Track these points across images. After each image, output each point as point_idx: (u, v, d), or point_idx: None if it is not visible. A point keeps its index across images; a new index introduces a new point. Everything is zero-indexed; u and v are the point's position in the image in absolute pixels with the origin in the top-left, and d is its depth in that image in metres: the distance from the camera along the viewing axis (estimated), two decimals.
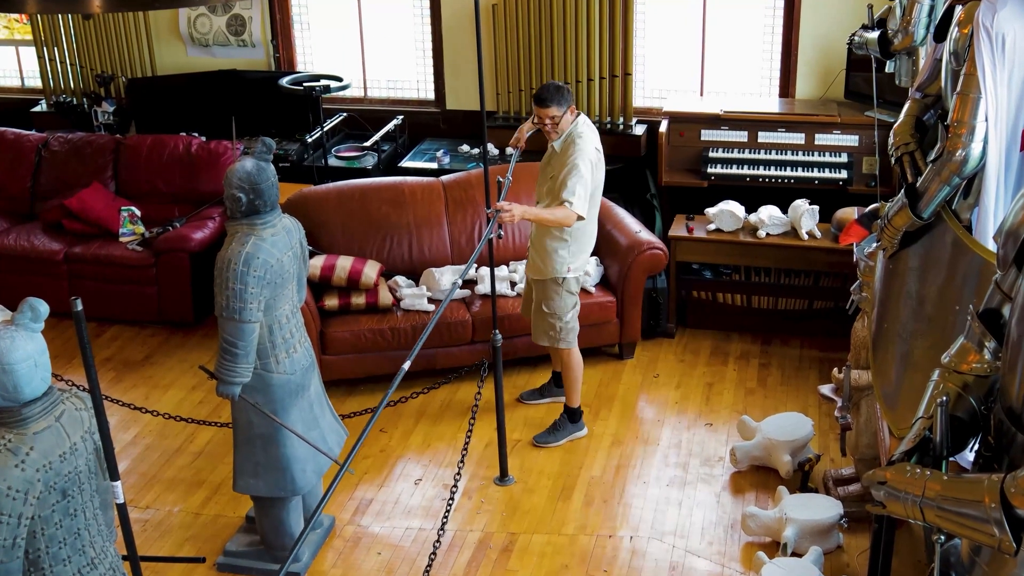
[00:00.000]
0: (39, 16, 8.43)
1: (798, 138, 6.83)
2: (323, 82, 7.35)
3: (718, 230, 6.64)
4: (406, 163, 7.58)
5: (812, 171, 6.77)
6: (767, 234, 6.55)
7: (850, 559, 4.85)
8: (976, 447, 2.76)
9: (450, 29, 7.78)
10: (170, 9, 8.16)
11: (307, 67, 8.33)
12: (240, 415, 4.62)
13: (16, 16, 9.13)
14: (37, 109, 8.70)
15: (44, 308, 2.99)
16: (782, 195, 6.71)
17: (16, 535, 2.94)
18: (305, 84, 7.32)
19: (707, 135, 6.96)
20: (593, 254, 6.49)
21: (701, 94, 7.56)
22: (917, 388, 3.14)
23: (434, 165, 7.48)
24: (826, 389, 5.37)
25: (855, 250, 5.14)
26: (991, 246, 3.28)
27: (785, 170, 6.80)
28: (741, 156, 6.90)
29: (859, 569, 4.74)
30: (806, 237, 6.48)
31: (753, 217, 6.61)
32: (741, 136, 6.92)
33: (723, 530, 5.09)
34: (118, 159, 7.61)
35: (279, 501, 4.77)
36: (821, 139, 6.79)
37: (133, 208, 7.23)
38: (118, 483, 3.01)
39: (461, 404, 6.18)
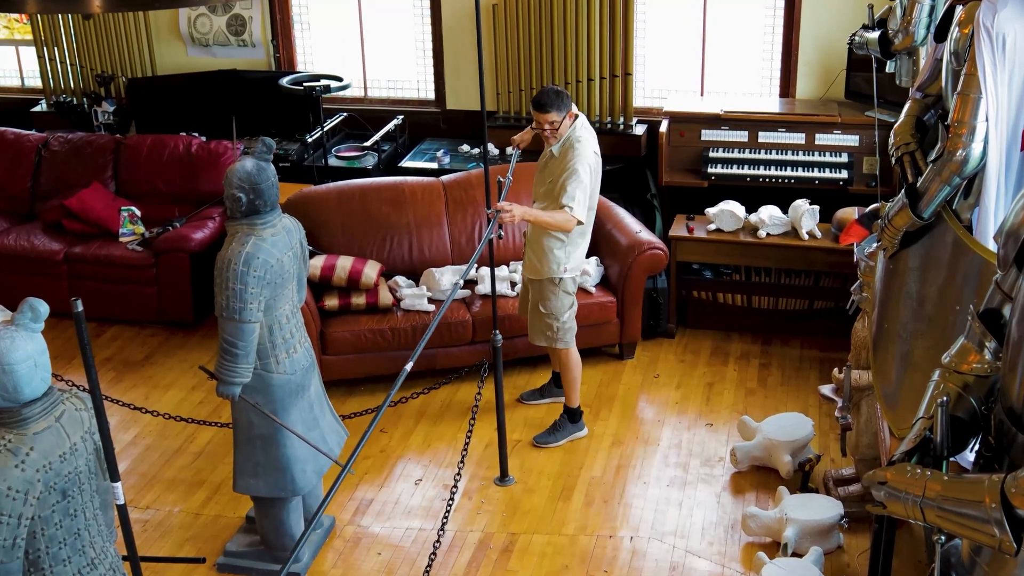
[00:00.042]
0: (39, 16, 8.43)
1: (798, 138, 6.83)
2: (323, 82, 7.35)
3: (718, 230, 6.63)
4: (406, 163, 7.58)
5: (812, 171, 6.77)
6: (767, 234, 6.55)
7: (851, 559, 4.85)
8: (976, 447, 2.75)
9: (450, 29, 7.78)
10: (170, 9, 8.16)
11: (307, 67, 8.33)
12: (240, 415, 4.62)
13: (16, 16, 9.13)
14: (37, 109, 8.70)
15: (44, 308, 2.99)
16: (782, 195, 6.71)
17: (16, 535, 2.93)
18: (305, 84, 7.31)
19: (707, 135, 6.96)
20: (594, 254, 6.50)
21: (701, 94, 7.56)
22: (917, 388, 3.14)
23: (434, 165, 7.48)
24: (826, 389, 5.37)
25: (855, 250, 5.14)
26: (991, 246, 3.28)
27: (785, 170, 6.80)
28: (741, 156, 6.89)
29: (860, 569, 4.74)
30: (806, 237, 6.48)
31: (753, 217, 6.61)
32: (741, 136, 6.92)
33: (723, 530, 5.09)
34: (118, 159, 7.61)
35: (279, 501, 4.77)
36: (821, 139, 6.79)
37: (133, 208, 7.23)
38: (118, 484, 3.01)
39: (461, 404, 6.17)
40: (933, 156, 3.75)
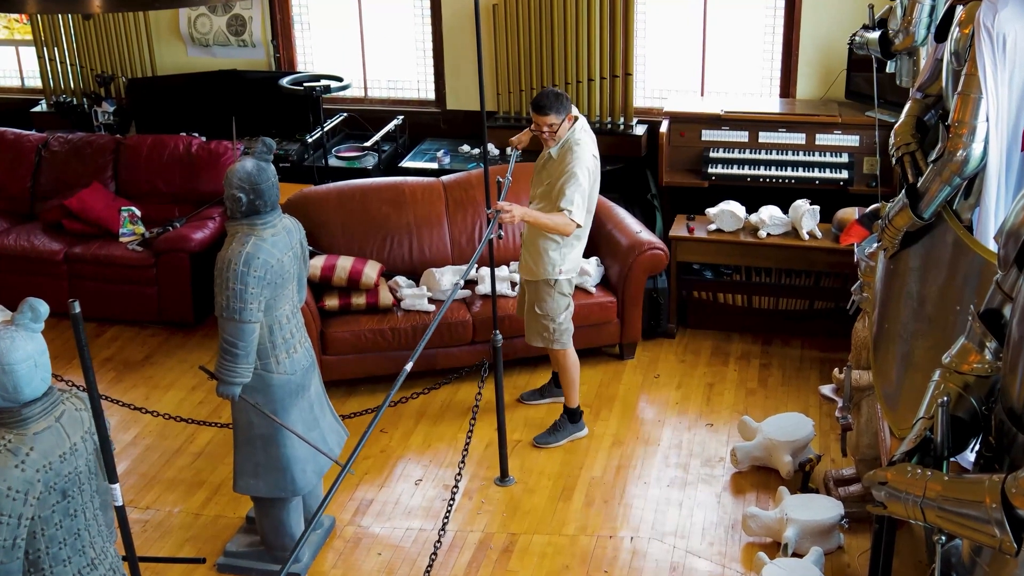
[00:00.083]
0: (39, 16, 8.43)
1: (799, 138, 6.83)
2: (323, 82, 7.35)
3: (719, 230, 6.63)
4: (406, 163, 7.58)
5: (813, 171, 6.76)
6: (768, 234, 6.54)
7: (851, 560, 4.84)
8: (977, 447, 2.75)
9: (450, 29, 7.78)
10: (170, 9, 8.16)
11: (307, 67, 8.33)
12: (240, 415, 4.62)
13: (16, 16, 9.13)
14: (37, 109, 8.70)
15: (44, 308, 2.98)
16: (783, 195, 6.71)
17: (16, 536, 2.93)
18: (305, 84, 7.31)
19: (708, 135, 6.96)
20: (594, 254, 6.50)
21: (702, 94, 7.56)
22: (918, 388, 3.14)
23: (434, 165, 7.48)
24: (827, 389, 5.36)
25: (856, 250, 5.14)
26: (992, 246, 3.27)
27: (786, 170, 6.80)
28: (742, 156, 6.89)
29: (860, 570, 4.74)
30: (807, 237, 6.48)
31: (754, 217, 6.60)
32: (742, 136, 6.91)
33: (724, 531, 5.09)
34: (118, 159, 7.61)
35: (279, 502, 4.76)
36: (822, 139, 6.78)
37: (133, 208, 7.23)
38: (116, 486, 3.01)
39: (461, 404, 6.17)
40: (934, 156, 3.74)
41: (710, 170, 6.87)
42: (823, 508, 4.88)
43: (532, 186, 5.59)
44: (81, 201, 7.27)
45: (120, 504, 3.03)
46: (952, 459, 2.70)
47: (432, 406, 6.17)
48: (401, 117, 7.92)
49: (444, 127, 8.04)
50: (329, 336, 6.13)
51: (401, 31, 8.03)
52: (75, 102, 8.57)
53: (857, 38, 5.33)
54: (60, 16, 8.34)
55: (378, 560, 4.97)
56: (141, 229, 7.13)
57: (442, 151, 7.59)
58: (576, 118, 5.38)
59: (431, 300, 6.35)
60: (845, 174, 6.70)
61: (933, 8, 4.55)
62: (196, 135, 7.72)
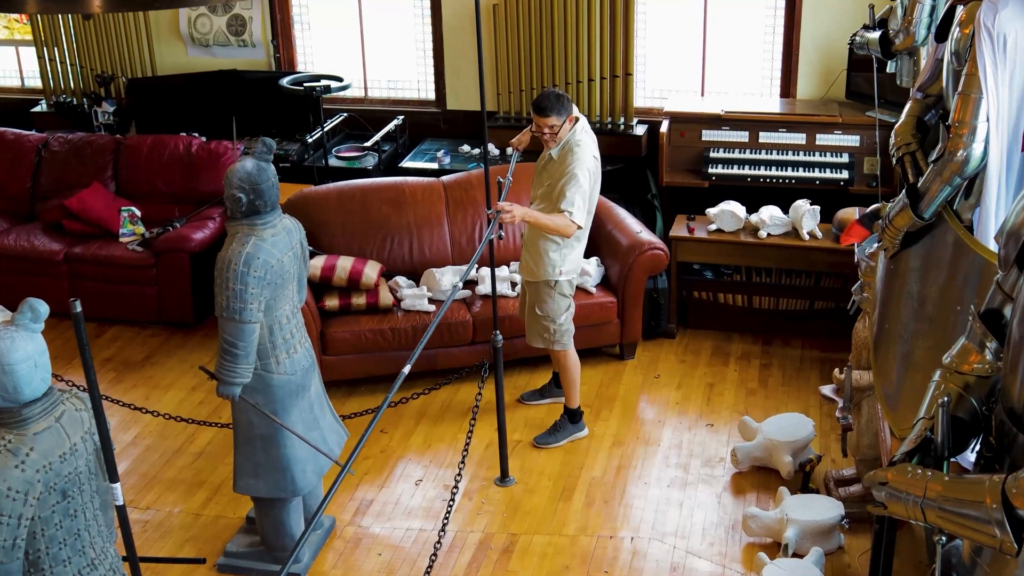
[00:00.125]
0: (39, 16, 8.42)
1: (799, 138, 6.83)
2: (323, 82, 7.35)
3: (719, 230, 6.63)
4: (406, 163, 7.58)
5: (813, 171, 6.76)
6: (768, 234, 6.54)
7: (851, 560, 4.84)
8: (977, 448, 2.75)
9: (451, 29, 7.78)
10: (170, 9, 8.15)
11: (307, 67, 8.33)
12: (240, 416, 4.62)
13: (16, 16, 9.13)
14: (37, 109, 8.69)
15: (44, 308, 2.98)
16: (783, 195, 6.71)
17: (16, 536, 2.93)
18: (305, 84, 7.31)
19: (708, 135, 6.95)
20: (594, 254, 6.50)
21: (702, 94, 7.56)
22: (918, 389, 3.14)
23: (435, 165, 7.47)
24: (827, 390, 5.36)
25: (856, 250, 5.14)
26: (992, 246, 3.27)
27: (786, 170, 6.80)
28: (742, 156, 6.89)
29: (860, 570, 4.74)
30: (807, 237, 6.48)
31: (754, 217, 6.60)
32: (742, 136, 6.91)
33: (724, 531, 5.09)
34: (118, 159, 7.61)
35: (279, 502, 4.76)
36: (822, 139, 6.78)
37: (133, 208, 7.23)
38: (117, 485, 3.01)
39: (462, 405, 6.17)
40: (934, 156, 3.74)
41: (710, 170, 6.87)
42: (823, 508, 4.88)
43: (533, 187, 5.59)
44: (81, 201, 7.27)
45: (120, 504, 3.04)
46: (952, 459, 2.70)
47: (432, 406, 6.16)
48: (401, 117, 7.92)
49: (444, 127, 8.03)
50: (329, 336, 6.13)
51: (401, 31, 8.03)
52: (75, 102, 8.57)
53: (857, 38, 5.33)
54: (60, 16, 8.34)
55: (378, 560, 4.97)
56: (141, 229, 7.13)
57: (442, 151, 7.59)
58: (577, 119, 5.37)
59: (431, 300, 6.35)
60: (845, 174, 6.70)
61: (933, 8, 4.55)
62: (196, 135, 7.71)
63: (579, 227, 5.30)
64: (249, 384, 4.43)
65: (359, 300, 6.23)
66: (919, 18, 4.60)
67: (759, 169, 6.83)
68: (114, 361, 6.81)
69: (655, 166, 7.24)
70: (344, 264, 6.30)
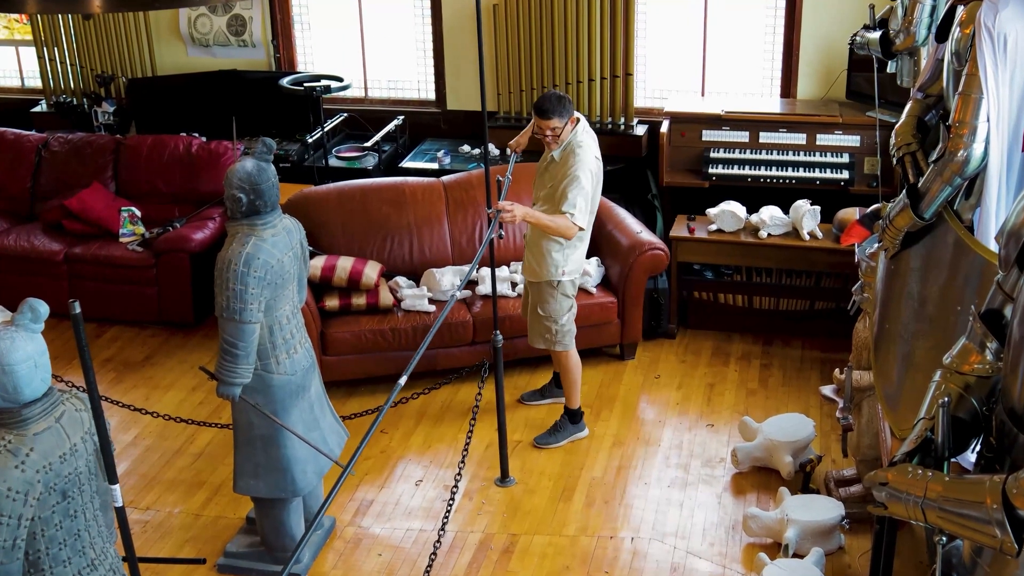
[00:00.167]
0: (39, 16, 8.42)
1: (799, 138, 6.82)
2: (324, 82, 7.35)
3: (719, 230, 6.63)
4: (407, 163, 7.57)
5: (813, 171, 6.76)
6: (768, 234, 6.54)
7: (852, 560, 4.84)
8: (978, 448, 2.75)
9: (451, 29, 7.78)
10: (170, 9, 8.15)
11: (307, 67, 8.33)
12: (240, 416, 4.62)
13: (16, 16, 9.13)
14: (37, 109, 8.69)
15: (44, 309, 2.98)
16: (783, 195, 6.71)
17: (16, 536, 2.93)
18: (306, 84, 7.31)
19: (708, 135, 6.95)
20: (594, 255, 6.50)
21: (702, 94, 7.56)
22: (919, 389, 3.14)
23: (435, 165, 7.47)
24: (827, 390, 5.36)
25: (856, 251, 5.14)
26: (993, 247, 3.27)
27: (786, 170, 6.79)
28: (742, 156, 6.89)
29: (861, 570, 4.73)
30: (807, 238, 6.47)
31: (754, 217, 6.60)
32: (742, 136, 6.91)
33: (724, 531, 5.08)
34: (118, 159, 7.61)
35: (279, 502, 4.76)
36: (822, 139, 6.78)
37: (133, 208, 7.23)
38: (116, 487, 3.00)
39: (462, 405, 6.17)
40: (934, 156, 3.74)
41: (711, 170, 6.87)
42: (824, 509, 4.87)
43: (535, 188, 5.58)
44: (81, 201, 7.27)
45: (120, 505, 3.03)
46: (953, 460, 2.70)
47: (432, 407, 6.16)
48: (401, 117, 7.92)
49: (444, 127, 8.03)
50: (329, 336, 6.13)
51: (401, 31, 8.03)
52: (75, 102, 8.57)
53: (858, 38, 5.33)
54: (60, 16, 8.34)
55: (378, 561, 4.97)
56: (141, 229, 7.13)
57: (442, 151, 7.58)
58: (578, 120, 5.37)
59: (431, 300, 6.35)
60: (846, 174, 6.70)
61: (934, 8, 4.55)
62: (196, 135, 7.71)
63: (580, 228, 5.29)
64: (249, 384, 4.43)
65: (359, 300, 6.23)
66: (919, 18, 4.59)
67: (759, 169, 6.83)
68: (114, 361, 6.80)
69: (655, 166, 7.24)
70: (344, 264, 6.29)
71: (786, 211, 6.60)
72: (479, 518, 5.24)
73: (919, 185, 3.72)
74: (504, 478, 5.49)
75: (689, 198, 7.02)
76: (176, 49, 8.43)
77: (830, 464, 5.50)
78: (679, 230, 6.72)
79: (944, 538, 2.64)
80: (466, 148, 7.67)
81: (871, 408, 4.83)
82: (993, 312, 2.72)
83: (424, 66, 8.06)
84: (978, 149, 3.49)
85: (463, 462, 5.13)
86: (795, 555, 4.75)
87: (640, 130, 7.41)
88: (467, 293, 6.41)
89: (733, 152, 6.91)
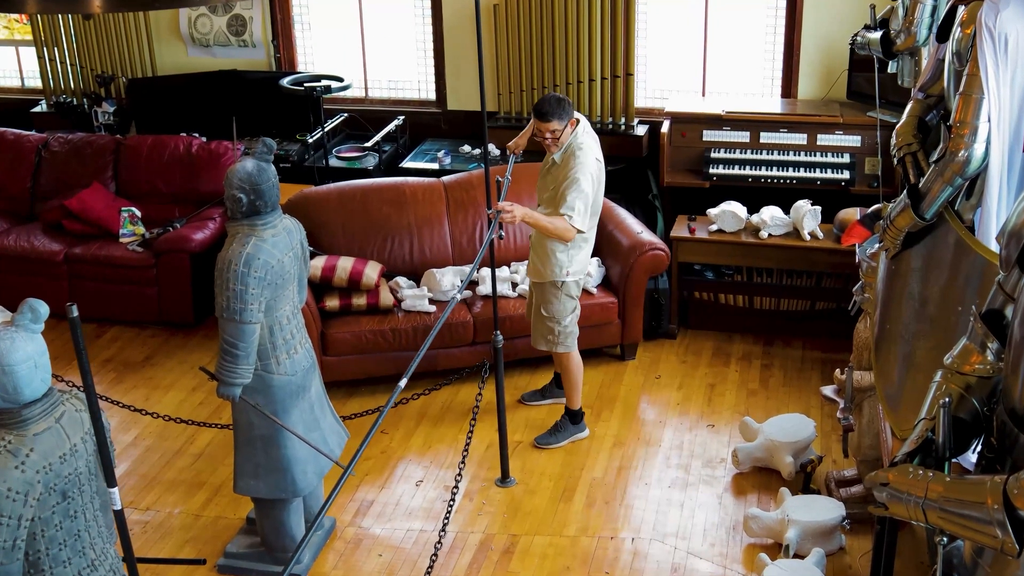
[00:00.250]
0: (39, 16, 8.42)
1: (800, 138, 6.82)
2: (324, 82, 7.35)
3: (720, 231, 6.62)
4: (407, 164, 7.57)
5: (814, 172, 6.75)
6: (769, 235, 6.54)
7: (852, 561, 4.84)
8: (979, 448, 2.75)
9: (451, 29, 7.78)
10: (170, 9, 8.15)
11: (308, 67, 8.33)
12: (241, 416, 4.62)
13: (16, 16, 9.13)
14: (37, 109, 8.69)
15: (44, 309, 2.98)
16: (784, 196, 6.70)
17: (16, 537, 2.93)
18: (306, 84, 7.31)
19: (709, 135, 6.95)
20: (595, 255, 6.49)
21: (703, 94, 7.55)
22: (919, 389, 3.14)
23: (435, 165, 7.47)
24: (828, 390, 5.36)
25: (857, 251, 5.13)
26: (994, 247, 3.27)
27: (787, 171, 6.79)
28: (743, 156, 6.88)
29: (861, 571, 4.73)
30: (808, 238, 6.47)
31: (755, 218, 6.60)
32: (743, 136, 6.91)
33: (725, 532, 5.08)
34: (118, 159, 7.61)
35: (280, 503, 4.76)
36: (823, 139, 6.78)
37: (133, 209, 7.23)
38: (115, 489, 3.00)
39: (462, 405, 6.17)
40: (935, 157, 3.74)
41: (711, 170, 6.86)
42: (824, 509, 4.87)
43: (538, 191, 5.58)
44: (81, 201, 7.27)
45: (119, 508, 3.03)
46: (954, 460, 2.69)
47: (433, 407, 6.16)
48: (402, 117, 7.92)
49: (445, 127, 8.03)
50: (330, 337, 6.12)
51: (401, 31, 8.03)
52: (75, 102, 8.57)
53: (859, 38, 5.32)
54: (60, 16, 8.34)
55: (379, 561, 4.96)
56: (141, 229, 7.12)
57: (443, 151, 7.58)
58: (578, 121, 5.36)
59: (432, 301, 6.35)
60: (847, 174, 6.69)
61: (935, 8, 4.54)
62: (196, 135, 7.71)
63: (579, 231, 5.28)
64: (249, 385, 4.43)
65: (359, 301, 6.23)
66: (920, 18, 4.59)
67: (760, 169, 6.83)
68: (114, 362, 6.80)
69: (656, 166, 7.24)
70: (344, 264, 6.29)
71: (787, 211, 6.60)
72: (479, 518, 5.23)
73: (920, 185, 3.72)
74: (505, 478, 5.49)
75: (690, 198, 7.02)
76: (176, 49, 8.43)
77: (831, 464, 5.50)
78: (680, 230, 6.71)
79: (945, 539, 2.64)
80: (466, 148, 7.67)
81: (872, 408, 4.83)
82: (994, 312, 2.72)
83: (424, 66, 8.05)
84: (979, 149, 3.49)
85: (463, 462, 5.13)
86: (796, 556, 4.75)
87: (641, 130, 7.40)
88: (468, 294, 6.41)
89: (734, 152, 6.90)
